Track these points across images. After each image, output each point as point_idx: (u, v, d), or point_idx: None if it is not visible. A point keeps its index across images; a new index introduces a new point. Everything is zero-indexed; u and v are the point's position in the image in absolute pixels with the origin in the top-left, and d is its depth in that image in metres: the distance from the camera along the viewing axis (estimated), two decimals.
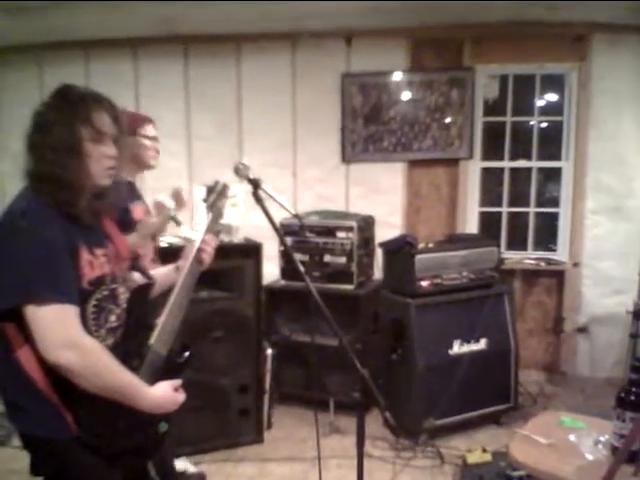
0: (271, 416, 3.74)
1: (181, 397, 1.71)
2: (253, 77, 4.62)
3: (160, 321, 1.73)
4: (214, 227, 1.90)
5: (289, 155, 4.65)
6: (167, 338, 1.73)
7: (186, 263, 1.80)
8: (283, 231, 3.96)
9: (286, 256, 3.88)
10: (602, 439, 2.17)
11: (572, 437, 2.23)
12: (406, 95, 4.56)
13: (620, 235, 4.43)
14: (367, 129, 4.61)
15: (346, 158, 4.65)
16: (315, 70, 4.60)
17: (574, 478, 2.00)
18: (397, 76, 4.54)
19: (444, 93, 4.53)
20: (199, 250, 1.82)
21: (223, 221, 2.03)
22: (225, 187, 1.96)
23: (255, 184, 2.14)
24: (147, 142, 2.68)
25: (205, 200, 1.95)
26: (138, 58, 4.65)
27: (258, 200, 2.09)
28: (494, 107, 4.67)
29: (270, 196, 2.22)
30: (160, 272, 1.93)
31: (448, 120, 4.54)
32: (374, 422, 2.92)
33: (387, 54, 4.52)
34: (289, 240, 3.97)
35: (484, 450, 3.18)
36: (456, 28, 4.38)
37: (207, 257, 1.86)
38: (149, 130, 2.72)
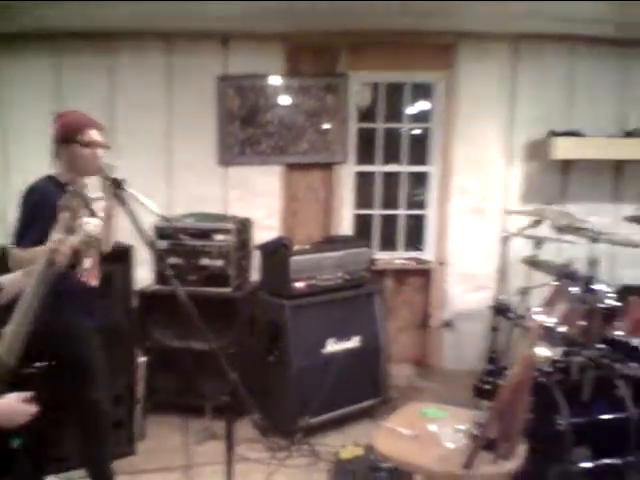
0: (144, 426, 3.62)
1: (31, 409, 1.61)
2: (126, 78, 4.47)
3: (7, 329, 1.63)
4: (67, 226, 1.81)
5: (165, 158, 4.53)
6: (15, 347, 1.63)
7: (36, 266, 1.71)
8: (157, 234, 3.86)
9: (158, 259, 3.78)
10: (462, 428, 2.29)
11: (434, 427, 2.33)
12: (283, 99, 4.60)
13: (481, 235, 4.72)
14: (244, 132, 4.61)
15: (223, 161, 4.62)
16: (191, 72, 4.52)
17: (435, 467, 2.09)
18: (274, 80, 4.58)
19: (320, 99, 4.63)
20: (51, 251, 1.73)
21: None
22: (80, 186, 1.89)
23: (117, 184, 2.07)
24: (84, 150, 2.53)
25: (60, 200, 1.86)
26: None
27: (120, 201, 2.03)
28: (368, 113, 4.83)
29: (134, 197, 2.17)
30: (8, 278, 1.82)
31: (324, 125, 4.64)
32: (248, 425, 2.92)
33: (264, 58, 4.54)
34: (163, 243, 3.87)
35: (356, 445, 3.27)
36: (331, 35, 4.48)
37: (61, 258, 1.77)
38: (88, 136, 2.56)
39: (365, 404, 3.77)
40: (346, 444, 3.28)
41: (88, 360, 2.59)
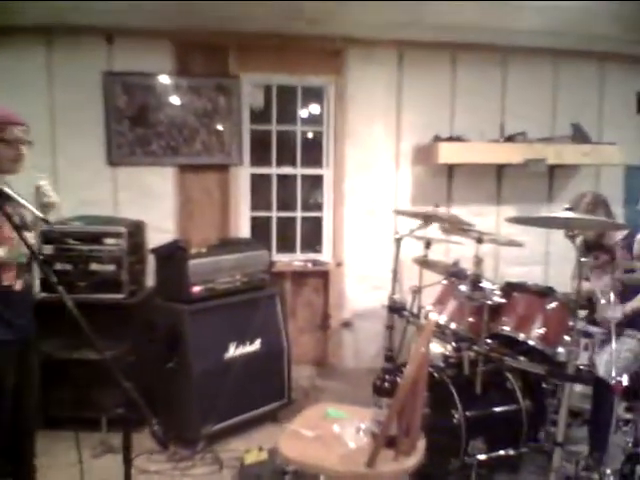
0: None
1: None
2: (4, 74, 4.15)
3: None
4: None
5: (48, 158, 4.27)
6: None
7: None
8: (42, 238, 3.62)
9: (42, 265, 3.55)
10: (363, 426, 2.34)
11: (336, 427, 2.36)
12: (174, 99, 4.49)
13: (375, 237, 4.87)
14: (134, 131, 4.44)
15: (112, 161, 4.43)
16: (74, 68, 4.30)
17: (338, 467, 2.11)
18: (164, 79, 4.45)
19: (212, 99, 4.56)
20: None
21: None
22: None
23: None
24: (4, 147, 2.37)
25: None
26: None
27: None
28: (261, 115, 4.82)
29: (11, 198, 2.07)
30: None
31: (217, 126, 4.57)
32: (147, 436, 2.80)
33: (152, 56, 4.42)
34: (49, 248, 3.64)
35: (260, 449, 3.25)
36: (221, 35, 4.43)
37: None
38: (8, 133, 2.37)
39: (269, 407, 3.76)
40: (250, 449, 3.25)
41: None
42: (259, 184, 4.87)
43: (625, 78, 5.06)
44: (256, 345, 3.71)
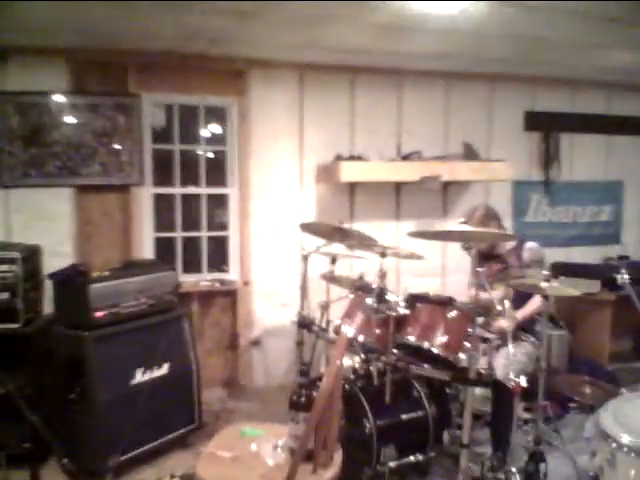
0: None
1: None
2: None
3: None
4: None
5: None
6: None
7: None
8: None
9: None
10: (280, 443, 2.35)
11: (253, 446, 2.36)
12: (70, 118, 4.33)
13: (282, 254, 4.91)
14: (27, 152, 4.24)
15: (4, 183, 4.19)
16: None
17: None
18: (59, 98, 4.29)
19: (111, 118, 4.44)
20: None
21: None
22: None
23: None
24: None
25: None
26: None
27: None
28: (163, 135, 4.75)
29: None
30: None
31: (116, 146, 4.46)
32: (54, 470, 2.67)
33: (47, 74, 4.24)
34: None
35: (172, 476, 3.17)
36: (119, 53, 4.34)
37: None
38: None
39: (179, 433, 3.66)
40: (162, 477, 3.16)
41: None
42: (163, 204, 4.78)
43: (513, 97, 5.47)
44: (164, 369, 3.61)
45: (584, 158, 5.72)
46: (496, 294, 3.47)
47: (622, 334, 5.41)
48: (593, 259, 5.65)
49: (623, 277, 2.14)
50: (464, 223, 2.92)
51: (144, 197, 4.61)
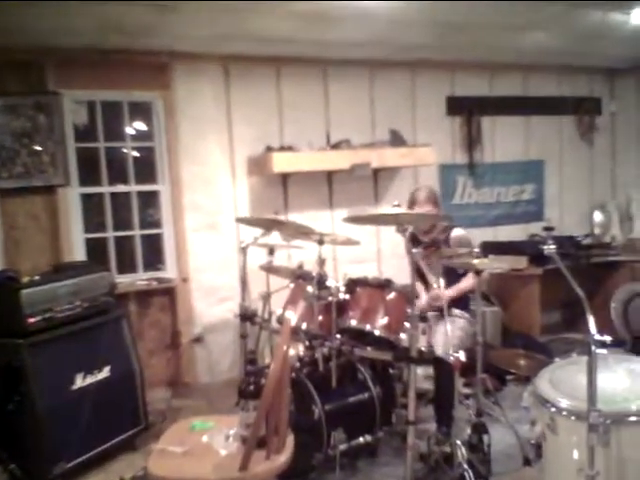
0: None
1: None
2: None
3: None
4: None
5: None
6: None
7: None
8: None
9: None
10: (231, 432, 2.35)
11: (205, 438, 2.35)
12: None
13: (218, 248, 4.88)
14: None
15: None
16: None
17: (212, 476, 2.11)
18: None
19: (31, 118, 4.29)
20: None
21: None
22: None
23: None
24: None
25: None
26: None
27: None
28: (86, 133, 4.61)
29: None
30: None
31: (39, 146, 4.30)
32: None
33: None
34: None
35: (122, 479, 3.11)
36: (36, 52, 4.18)
37: None
38: None
39: (126, 435, 3.58)
40: None
41: None
42: (92, 204, 4.64)
43: (434, 83, 5.61)
44: (105, 372, 3.53)
45: (505, 140, 5.94)
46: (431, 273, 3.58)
47: (551, 307, 5.70)
48: (519, 237, 5.91)
49: (549, 247, 2.25)
50: (397, 206, 2.98)
51: (71, 198, 4.47)
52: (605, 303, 5.00)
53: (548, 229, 2.24)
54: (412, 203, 3.72)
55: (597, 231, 6.28)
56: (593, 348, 1.99)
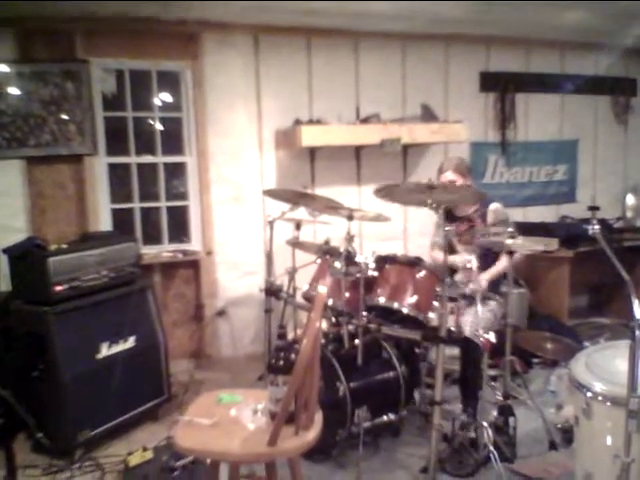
0: None
1: None
2: None
3: None
4: None
5: None
6: None
7: None
8: None
9: None
10: (260, 407, 2.32)
11: (233, 411, 2.31)
12: (16, 88, 4.12)
13: (244, 222, 4.83)
14: None
15: None
16: None
17: (239, 450, 2.07)
18: (3, 67, 4.08)
19: (59, 86, 4.26)
20: None
21: None
22: None
23: None
24: None
25: None
26: None
27: None
28: (114, 102, 4.56)
29: None
30: None
31: (67, 115, 4.27)
32: (20, 450, 2.58)
33: None
34: None
35: (145, 449, 3.11)
36: (67, 20, 4.13)
37: None
38: None
39: (148, 405, 3.59)
40: (133, 450, 3.10)
41: None
42: (118, 174, 4.62)
43: (468, 58, 5.44)
44: (130, 342, 3.53)
45: (539, 118, 5.77)
46: (464, 254, 3.51)
47: (579, 291, 5.59)
48: (549, 218, 5.78)
49: (594, 227, 2.16)
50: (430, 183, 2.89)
51: (98, 167, 4.45)
52: (637, 288, 4.88)
53: (594, 208, 2.13)
54: (440, 172, 3.66)
55: (629, 214, 6.10)
56: (638, 333, 1.91)
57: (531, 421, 3.38)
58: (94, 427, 3.24)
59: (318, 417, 2.28)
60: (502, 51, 5.54)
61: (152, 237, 4.75)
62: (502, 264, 3.54)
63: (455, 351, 3.52)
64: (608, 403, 2.22)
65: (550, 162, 5.90)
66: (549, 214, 5.83)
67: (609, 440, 2.24)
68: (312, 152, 4.98)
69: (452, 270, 3.56)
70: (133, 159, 4.65)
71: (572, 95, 5.85)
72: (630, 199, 6.17)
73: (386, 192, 3.00)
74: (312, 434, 2.18)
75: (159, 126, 4.73)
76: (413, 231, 5.29)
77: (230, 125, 4.76)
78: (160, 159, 4.73)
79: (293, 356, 3.11)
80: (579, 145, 6.00)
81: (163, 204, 4.78)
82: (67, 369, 3.17)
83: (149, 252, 4.59)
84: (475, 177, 5.47)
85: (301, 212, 3.95)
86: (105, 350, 3.38)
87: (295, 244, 3.99)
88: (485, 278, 3.50)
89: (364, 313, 3.26)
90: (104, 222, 4.49)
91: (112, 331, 3.44)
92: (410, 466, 3.10)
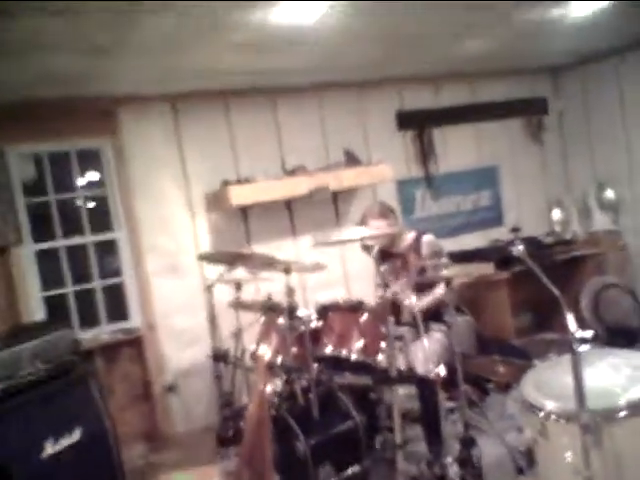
0: None
1: None
2: None
3: None
4: None
5: None
6: None
7: None
8: None
9: None
10: None
11: None
12: None
13: (183, 290, 4.75)
14: None
15: None
16: None
17: None
18: None
19: None
20: None
21: None
22: None
23: None
24: None
25: None
26: None
27: None
28: (36, 187, 4.47)
29: None
30: None
31: None
32: None
33: None
34: None
35: None
36: None
37: None
38: None
39: None
40: None
41: None
42: (48, 259, 4.49)
43: (382, 100, 5.63)
44: (76, 435, 3.33)
45: (458, 149, 5.98)
46: (400, 289, 3.54)
47: (522, 309, 5.71)
48: (480, 243, 5.93)
49: (518, 248, 2.22)
50: (360, 226, 2.94)
51: (25, 256, 4.32)
52: (574, 300, 5.03)
53: (515, 230, 2.21)
54: (364, 224, 3.70)
55: (557, 228, 6.35)
56: (575, 347, 1.95)
57: (495, 448, 3.36)
58: None
59: None
60: (414, 89, 5.75)
61: (89, 320, 4.59)
62: (438, 292, 3.55)
63: (410, 389, 3.50)
64: (562, 421, 2.21)
65: (474, 190, 6.09)
66: (481, 240, 5.99)
67: (569, 457, 2.23)
68: (244, 210, 4.98)
69: (397, 307, 3.58)
70: (61, 242, 4.54)
71: (486, 123, 6.10)
72: (556, 213, 6.43)
73: (324, 243, 3.03)
74: None
75: (85, 205, 4.65)
76: (353, 274, 5.32)
77: (158, 194, 4.73)
78: (89, 238, 4.64)
79: (242, 424, 3.03)
80: (500, 169, 6.23)
81: (97, 284, 4.66)
82: (12, 474, 2.96)
83: (87, 336, 4.42)
84: (405, 213, 5.61)
85: (240, 272, 3.92)
86: (50, 448, 3.17)
87: (237, 305, 3.95)
88: (421, 306, 3.48)
89: (314, 365, 3.22)
90: (37, 311, 4.33)
91: (55, 427, 3.24)
92: None
